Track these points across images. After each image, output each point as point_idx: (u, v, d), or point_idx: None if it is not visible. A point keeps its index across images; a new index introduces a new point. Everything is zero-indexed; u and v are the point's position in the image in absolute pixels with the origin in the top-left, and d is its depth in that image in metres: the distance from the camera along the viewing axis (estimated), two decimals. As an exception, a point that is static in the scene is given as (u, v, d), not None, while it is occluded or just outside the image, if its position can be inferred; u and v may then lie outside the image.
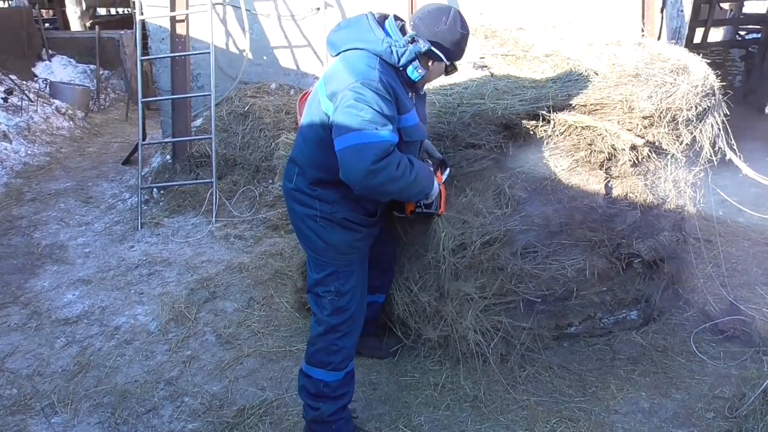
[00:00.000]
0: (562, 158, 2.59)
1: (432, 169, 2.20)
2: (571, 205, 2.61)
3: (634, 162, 2.63)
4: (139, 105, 4.96)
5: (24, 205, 4.92)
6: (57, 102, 7.30)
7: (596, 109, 2.57)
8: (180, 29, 4.76)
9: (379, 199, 2.06)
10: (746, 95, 6.02)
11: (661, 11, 4.90)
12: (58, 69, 8.58)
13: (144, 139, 5.02)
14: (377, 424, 2.44)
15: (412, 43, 1.95)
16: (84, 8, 10.21)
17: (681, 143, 2.71)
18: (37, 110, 6.84)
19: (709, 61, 3.03)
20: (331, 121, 1.93)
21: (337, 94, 1.90)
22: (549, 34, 3.38)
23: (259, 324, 3.15)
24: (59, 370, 2.83)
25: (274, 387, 2.67)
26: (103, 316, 3.28)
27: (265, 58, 5.42)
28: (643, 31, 4.75)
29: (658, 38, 4.86)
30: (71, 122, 7.15)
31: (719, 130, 2.85)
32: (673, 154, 2.72)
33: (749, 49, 6.78)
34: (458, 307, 2.62)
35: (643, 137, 2.61)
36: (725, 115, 2.88)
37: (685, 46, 4.09)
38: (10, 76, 7.21)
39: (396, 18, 2.06)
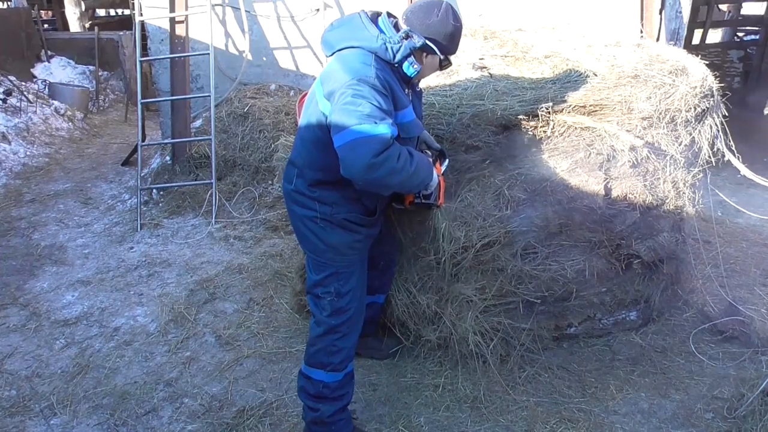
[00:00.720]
0: (562, 159, 2.59)
1: (431, 160, 2.19)
2: (570, 206, 2.61)
3: (633, 163, 2.64)
4: (139, 106, 4.95)
5: (23, 206, 4.92)
6: (56, 103, 7.30)
7: (595, 110, 2.58)
8: (179, 30, 4.76)
9: (381, 192, 2.04)
10: (745, 96, 6.03)
11: (660, 13, 4.90)
12: (57, 70, 8.58)
13: (143, 140, 5.02)
14: (377, 425, 2.45)
15: (406, 39, 1.96)
16: (83, 9, 10.20)
17: (680, 144, 2.72)
18: (36, 111, 6.84)
19: (707, 62, 3.04)
20: (329, 121, 1.93)
21: (334, 92, 1.90)
22: (548, 35, 3.38)
23: (259, 325, 3.15)
24: (58, 371, 2.82)
25: (273, 388, 2.67)
26: (102, 317, 3.27)
27: (264, 59, 5.42)
28: (641, 32, 4.76)
29: (657, 39, 4.86)
30: (70, 123, 7.14)
31: (718, 131, 2.86)
32: (672, 155, 2.72)
33: (748, 50, 6.79)
34: (458, 309, 2.62)
35: (642, 138, 2.62)
36: (724, 116, 2.89)
37: (684, 48, 4.09)
38: (9, 77, 7.21)
39: (389, 15, 2.06)
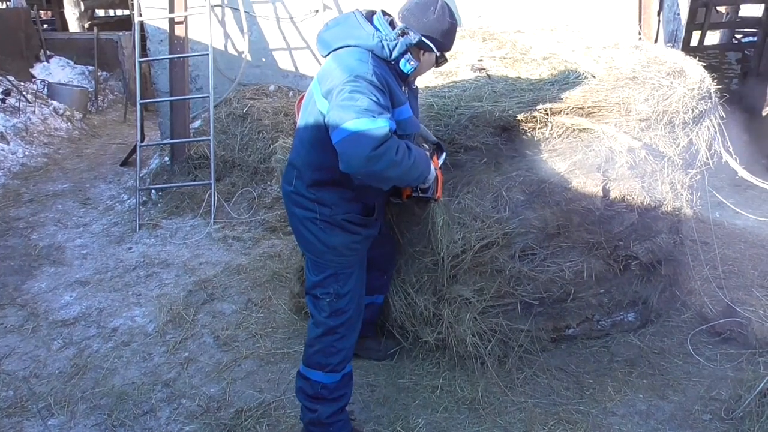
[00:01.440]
0: (560, 161, 2.59)
1: (428, 154, 2.19)
2: (568, 207, 2.61)
3: (631, 164, 2.64)
4: (138, 106, 4.95)
5: (21, 206, 4.92)
6: (55, 103, 7.29)
7: (593, 112, 2.58)
8: (179, 31, 4.77)
9: (381, 185, 2.04)
10: (742, 98, 6.04)
11: (658, 14, 4.92)
12: (56, 70, 8.58)
13: (142, 141, 5.02)
14: (375, 426, 2.45)
15: (402, 36, 1.96)
16: (82, 9, 10.21)
17: (678, 146, 2.72)
18: (35, 111, 6.84)
19: (705, 64, 3.05)
20: (327, 119, 1.93)
21: (332, 91, 1.91)
22: (547, 37, 3.39)
23: (257, 326, 3.14)
24: (56, 371, 2.82)
25: (271, 389, 2.67)
26: (100, 317, 3.27)
27: (263, 60, 5.42)
28: (640, 34, 4.77)
29: (655, 41, 4.88)
30: (69, 123, 7.14)
31: (715, 132, 2.87)
32: (670, 157, 2.73)
33: (745, 52, 6.80)
34: (456, 310, 2.62)
35: (640, 140, 2.62)
36: (721, 117, 2.89)
37: (682, 49, 4.11)
38: (8, 77, 7.20)
39: (384, 13, 2.07)
